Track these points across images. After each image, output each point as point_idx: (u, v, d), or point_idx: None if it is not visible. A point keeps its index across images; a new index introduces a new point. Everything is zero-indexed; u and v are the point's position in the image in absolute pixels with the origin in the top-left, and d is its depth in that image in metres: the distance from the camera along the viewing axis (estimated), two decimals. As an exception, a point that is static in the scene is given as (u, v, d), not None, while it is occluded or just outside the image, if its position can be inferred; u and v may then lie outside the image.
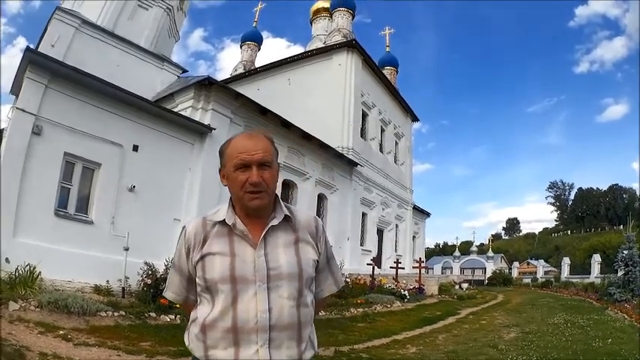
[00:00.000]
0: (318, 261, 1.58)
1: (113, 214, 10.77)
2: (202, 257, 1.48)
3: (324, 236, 1.63)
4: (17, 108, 9.40)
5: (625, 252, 16.59)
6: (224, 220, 1.50)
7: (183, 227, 1.58)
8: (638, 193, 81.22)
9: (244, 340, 1.40)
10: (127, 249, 9.89)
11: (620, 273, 17.07)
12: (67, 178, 10.23)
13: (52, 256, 8.62)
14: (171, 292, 1.64)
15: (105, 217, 10.64)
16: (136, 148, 11.64)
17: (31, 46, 10.90)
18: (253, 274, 1.43)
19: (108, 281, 9.16)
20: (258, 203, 1.48)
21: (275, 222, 1.51)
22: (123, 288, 9.22)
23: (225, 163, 1.53)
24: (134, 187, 11.35)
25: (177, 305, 8.41)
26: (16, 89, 11.24)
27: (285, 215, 1.54)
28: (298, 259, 1.50)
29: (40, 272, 7.67)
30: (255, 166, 1.47)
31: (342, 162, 20.46)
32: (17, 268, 7.50)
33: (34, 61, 9.71)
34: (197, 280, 1.51)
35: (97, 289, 8.82)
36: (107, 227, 10.58)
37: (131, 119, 11.55)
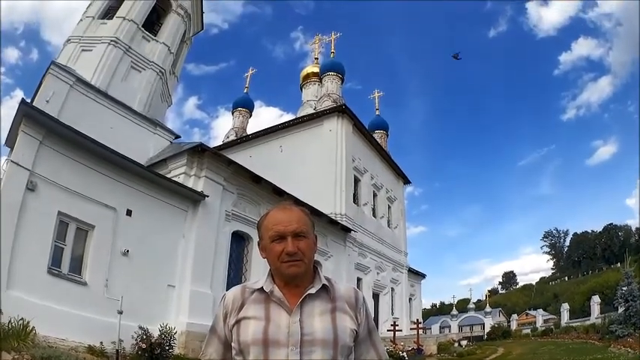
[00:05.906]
0: (357, 332, 1.54)
1: (107, 277, 10.54)
2: (238, 321, 1.50)
3: (364, 308, 1.60)
4: (12, 161, 9.32)
5: (624, 288, 16.65)
6: (262, 287, 1.53)
7: (224, 295, 1.62)
8: (634, 229, 79.81)
9: None
10: (120, 312, 9.57)
11: (620, 309, 17.11)
12: (61, 237, 10.06)
13: (45, 313, 8.33)
14: (208, 355, 1.64)
15: (99, 279, 10.39)
16: (129, 212, 11.56)
17: (27, 99, 10.73)
18: (286, 338, 1.42)
19: (102, 342, 8.89)
20: (295, 270, 1.49)
21: (312, 290, 1.51)
22: (117, 350, 8.93)
23: (263, 236, 1.58)
24: (128, 251, 11.17)
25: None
26: (11, 142, 11.18)
27: (324, 285, 1.54)
28: (334, 327, 1.47)
29: (33, 327, 7.36)
30: (290, 237, 1.50)
31: (335, 228, 20.34)
32: (10, 321, 7.10)
33: (28, 114, 9.74)
34: (232, 344, 1.52)
35: (91, 350, 8.54)
36: (101, 289, 10.31)
37: (125, 183, 11.58)
